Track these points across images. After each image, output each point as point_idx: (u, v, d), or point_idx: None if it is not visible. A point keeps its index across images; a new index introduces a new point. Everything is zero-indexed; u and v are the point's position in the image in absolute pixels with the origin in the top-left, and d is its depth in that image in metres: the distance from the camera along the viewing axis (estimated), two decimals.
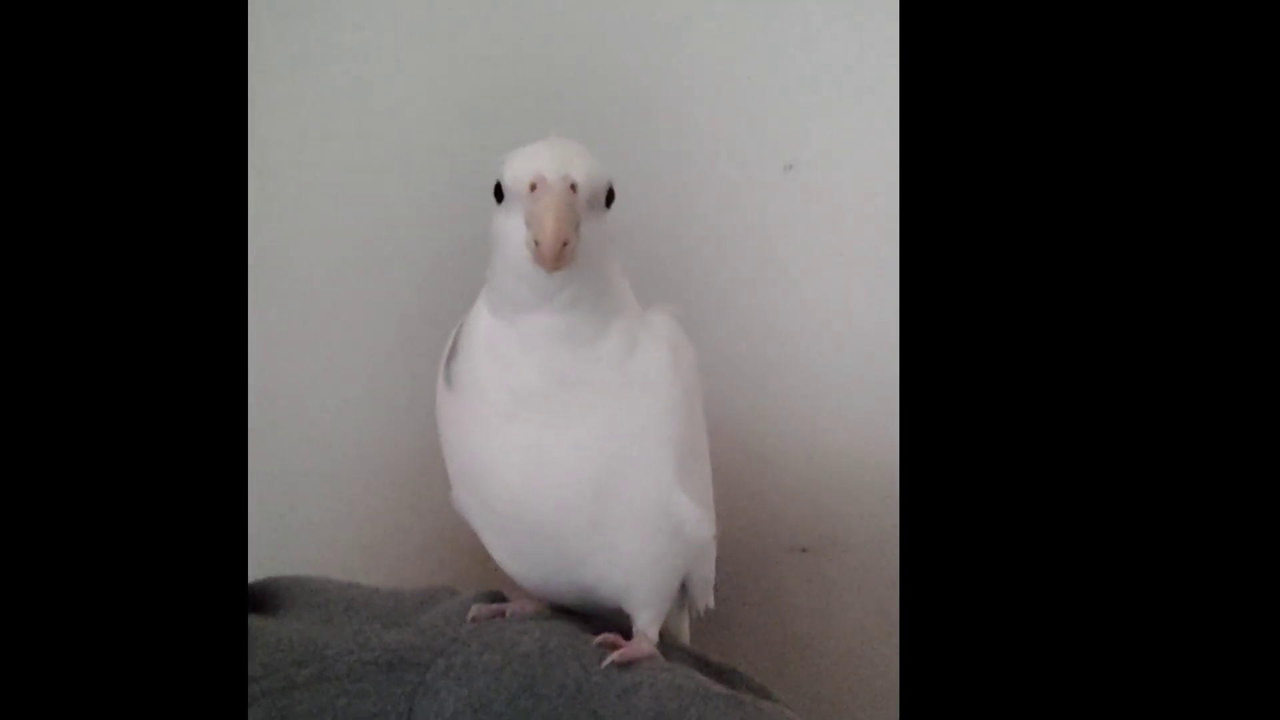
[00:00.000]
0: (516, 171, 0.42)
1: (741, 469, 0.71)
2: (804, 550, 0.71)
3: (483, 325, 0.46)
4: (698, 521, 0.48)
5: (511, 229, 0.42)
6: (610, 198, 0.44)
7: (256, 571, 0.49)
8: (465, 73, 0.68)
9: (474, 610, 0.47)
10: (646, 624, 0.48)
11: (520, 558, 0.48)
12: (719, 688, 0.44)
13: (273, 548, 0.61)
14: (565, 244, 0.40)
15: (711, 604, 0.55)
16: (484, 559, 0.50)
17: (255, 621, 0.46)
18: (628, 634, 0.47)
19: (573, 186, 0.41)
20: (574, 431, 0.44)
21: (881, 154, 0.66)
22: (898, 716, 0.70)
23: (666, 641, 0.49)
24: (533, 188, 0.41)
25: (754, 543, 0.72)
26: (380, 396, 0.69)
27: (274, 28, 0.66)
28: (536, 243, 0.40)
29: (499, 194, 0.43)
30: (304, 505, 0.69)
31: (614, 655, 0.44)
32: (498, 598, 0.50)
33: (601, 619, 0.48)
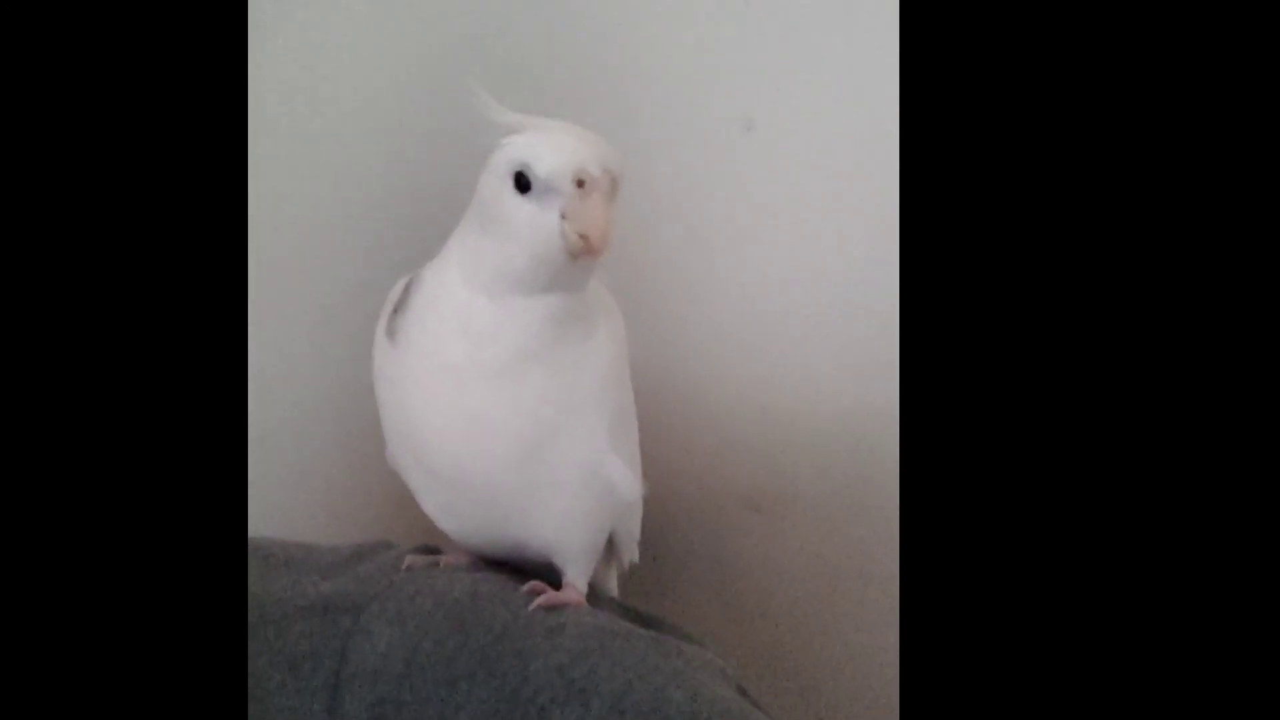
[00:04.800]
0: (556, 165, 0.43)
1: (694, 427, 0.72)
2: (754, 508, 0.72)
3: (454, 298, 0.46)
4: (628, 483, 0.50)
5: (544, 220, 0.43)
6: None
7: None
8: (416, 34, 0.67)
9: (408, 560, 0.49)
10: (575, 576, 0.50)
11: (454, 514, 0.50)
12: (643, 630, 0.46)
13: None
14: None
15: (636, 559, 0.57)
16: (419, 515, 0.51)
17: None
18: (557, 586, 0.48)
19: (613, 180, 0.43)
20: (517, 397, 0.46)
21: (842, 113, 0.66)
22: (845, 671, 0.71)
23: (595, 593, 0.51)
24: (580, 183, 0.42)
25: (706, 500, 0.73)
26: (321, 354, 0.69)
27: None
28: (583, 237, 0.42)
29: (522, 183, 0.43)
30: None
31: (541, 599, 0.46)
32: (432, 551, 0.51)
33: (531, 572, 0.49)
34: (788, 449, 0.71)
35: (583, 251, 0.43)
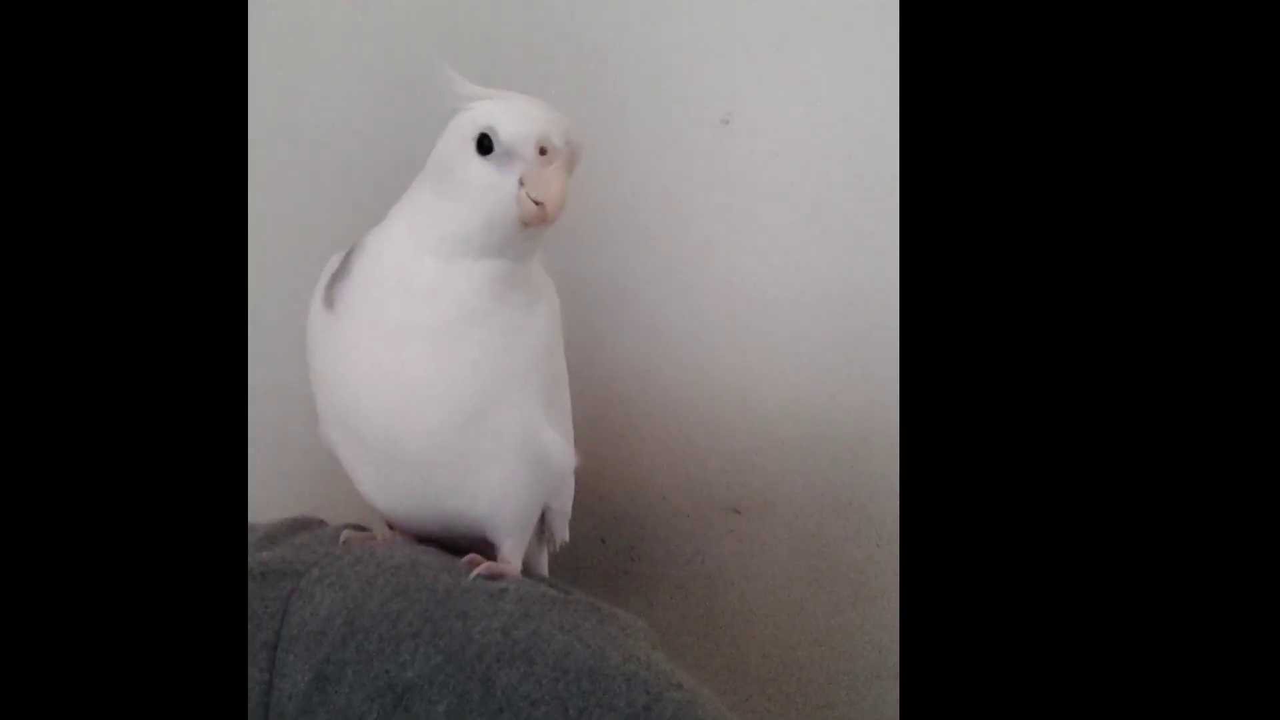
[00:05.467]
0: (520, 131, 0.44)
1: (674, 429, 0.71)
2: (736, 511, 0.71)
3: (398, 257, 0.46)
4: (562, 450, 0.50)
5: (501, 184, 0.44)
6: None
7: None
8: (392, 19, 0.68)
9: (345, 534, 0.49)
10: (510, 551, 0.50)
11: (388, 488, 0.50)
12: (579, 595, 0.47)
13: None
14: None
15: (567, 538, 0.57)
16: (351, 497, 0.51)
17: None
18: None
19: (574, 150, 0.44)
20: (455, 360, 0.46)
21: (820, 106, 0.66)
22: (824, 676, 0.70)
23: (528, 571, 0.51)
24: (542, 151, 0.43)
25: (686, 503, 0.72)
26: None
27: None
28: (538, 203, 0.43)
29: (485, 146, 0.44)
30: None
31: (480, 568, 0.46)
32: (364, 530, 0.51)
33: (466, 550, 0.49)
34: (769, 451, 0.70)
35: (536, 219, 0.44)
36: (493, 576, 0.46)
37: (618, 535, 0.72)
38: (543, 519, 0.54)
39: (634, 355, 0.71)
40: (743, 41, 0.67)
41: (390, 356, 0.46)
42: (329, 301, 0.48)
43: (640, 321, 0.70)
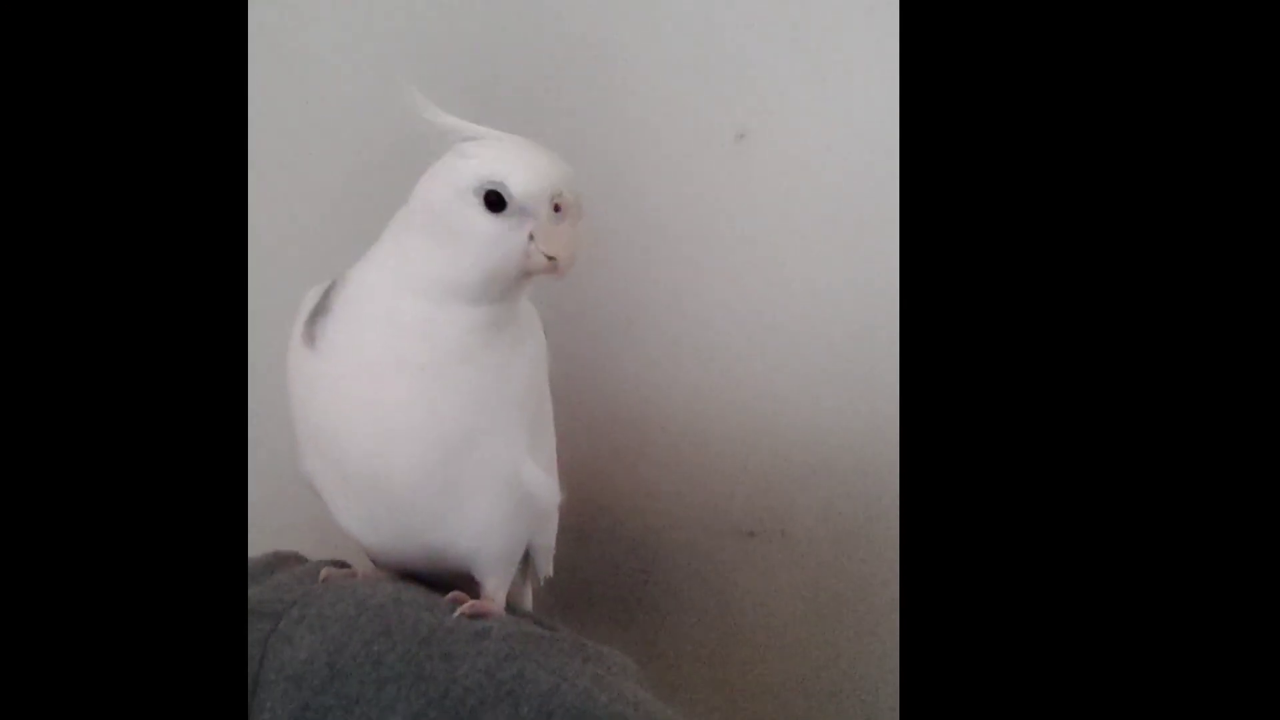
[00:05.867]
0: (535, 189, 0.43)
1: (688, 452, 0.70)
2: (750, 534, 0.69)
3: (386, 300, 0.45)
4: (547, 488, 0.49)
5: (510, 239, 0.43)
6: None
7: None
8: (402, 36, 0.67)
9: (324, 572, 0.48)
10: (494, 589, 0.49)
11: (369, 524, 0.49)
12: (564, 634, 0.46)
13: None
14: None
15: (550, 573, 0.55)
16: (327, 531, 0.51)
17: None
18: (477, 599, 0.48)
19: (580, 203, 0.44)
20: (440, 396, 0.45)
21: (836, 122, 0.65)
22: (844, 699, 0.68)
23: (511, 607, 0.50)
24: (556, 208, 0.43)
25: (700, 526, 0.71)
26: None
27: None
28: (551, 258, 0.43)
29: (494, 202, 0.43)
30: None
31: (464, 607, 0.45)
32: (344, 565, 0.51)
33: (449, 586, 0.48)
34: (784, 474, 0.69)
35: (547, 272, 0.44)
36: (476, 615, 0.45)
37: (631, 558, 0.71)
38: (527, 554, 0.53)
39: (647, 377, 0.69)
40: (758, 56, 0.65)
41: (373, 392, 0.45)
42: (309, 338, 0.47)
43: (653, 342, 0.69)
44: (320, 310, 0.47)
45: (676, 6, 0.65)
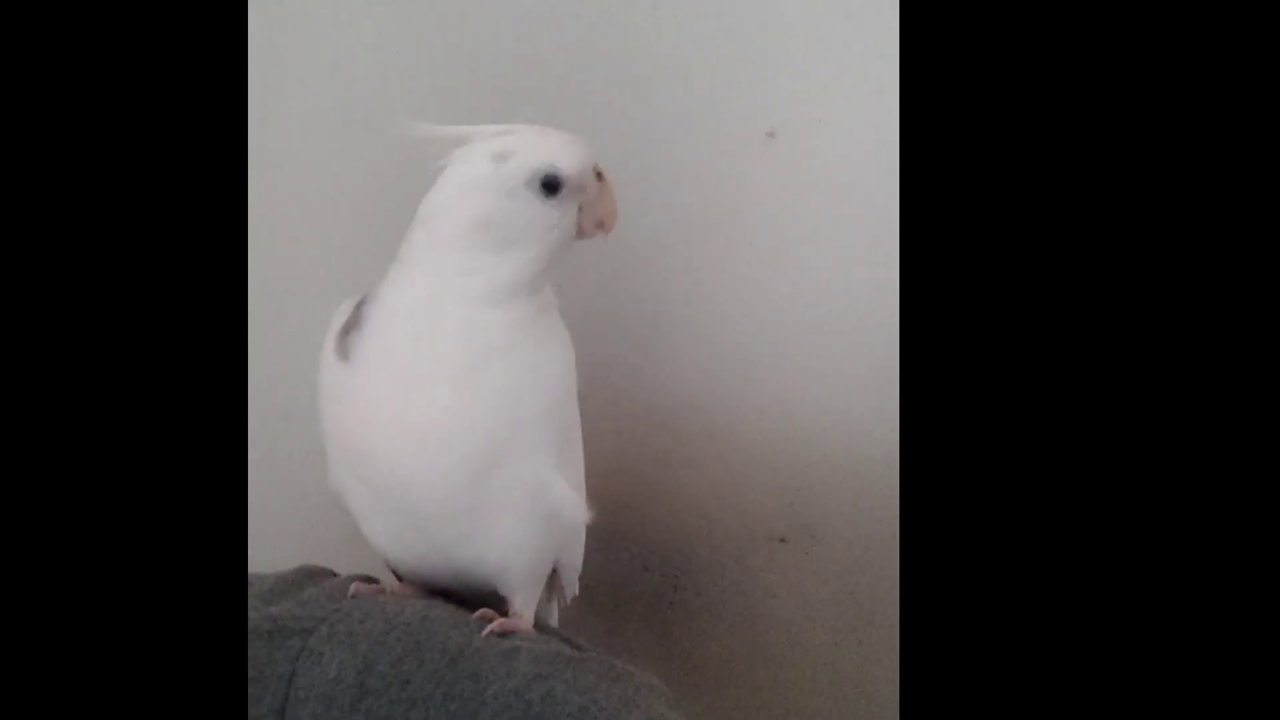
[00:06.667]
0: (582, 162, 0.46)
1: (718, 458, 0.70)
2: (781, 540, 0.69)
3: (427, 309, 0.46)
4: (574, 505, 0.49)
5: (565, 218, 0.46)
6: None
7: None
8: (434, 40, 0.67)
9: (354, 587, 0.48)
10: (521, 605, 0.49)
11: (398, 539, 0.49)
12: (592, 654, 0.46)
13: None
14: None
15: (576, 591, 0.55)
16: (358, 546, 0.51)
17: None
18: (504, 615, 0.48)
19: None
20: (472, 404, 0.45)
21: (868, 119, 0.64)
22: (871, 706, 0.67)
23: (538, 624, 0.50)
24: (599, 176, 0.47)
25: (731, 532, 0.70)
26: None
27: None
28: (600, 223, 0.47)
29: (551, 187, 0.45)
30: None
31: (493, 625, 0.45)
32: (373, 581, 0.50)
33: (477, 603, 0.48)
34: (815, 479, 0.68)
35: (598, 234, 0.47)
36: (504, 633, 0.45)
37: (661, 563, 0.71)
38: (554, 572, 0.52)
39: (677, 380, 0.69)
40: (787, 54, 0.64)
41: (405, 403, 0.45)
42: (342, 352, 0.47)
43: (683, 344, 0.68)
44: (352, 325, 0.47)
45: (708, 5, 0.64)
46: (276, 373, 0.60)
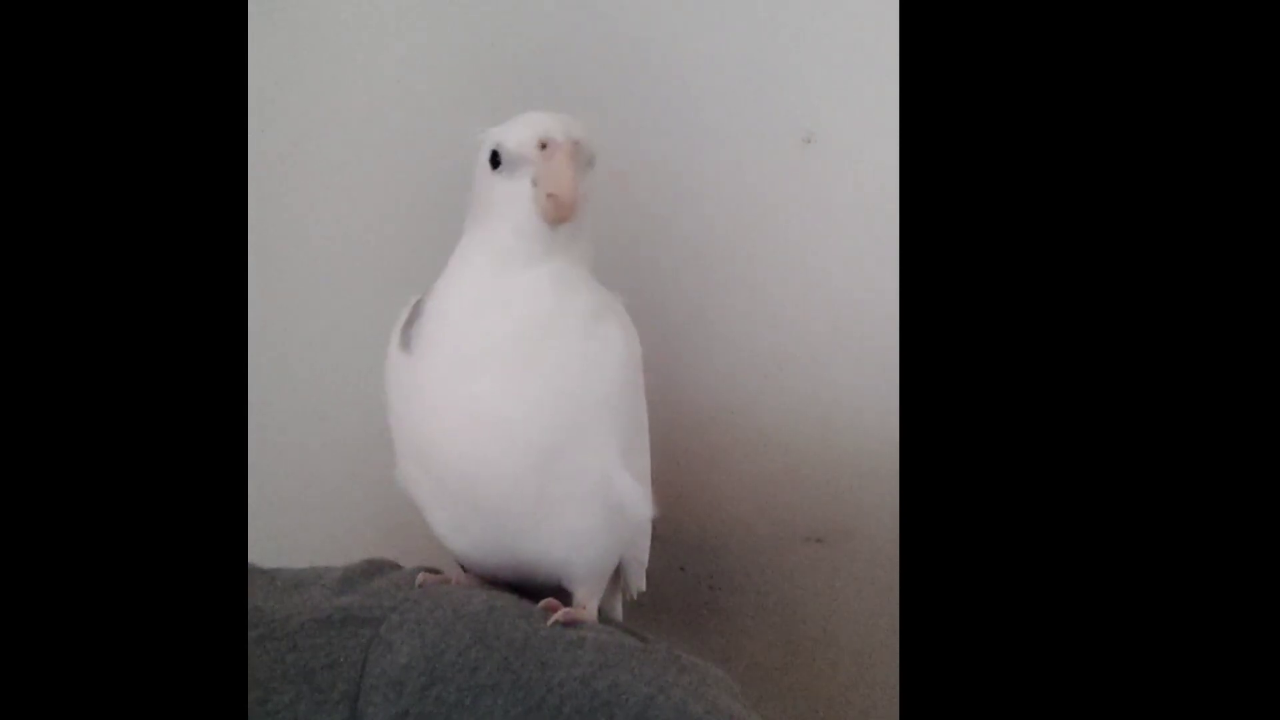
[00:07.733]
0: (522, 135, 0.46)
1: (755, 458, 0.70)
2: (817, 540, 0.69)
3: (460, 284, 0.48)
4: (638, 499, 0.49)
5: (517, 190, 0.46)
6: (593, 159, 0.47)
7: None
8: (465, 44, 0.68)
9: (421, 577, 0.49)
10: (585, 597, 0.49)
11: (464, 532, 0.50)
12: (657, 645, 0.46)
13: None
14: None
15: (644, 587, 0.56)
16: (419, 540, 0.51)
17: None
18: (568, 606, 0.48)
19: (576, 144, 0.45)
20: (531, 391, 0.46)
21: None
22: None
23: (603, 618, 0.50)
24: (543, 147, 0.45)
25: (767, 532, 0.71)
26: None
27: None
28: (551, 196, 0.44)
29: (496, 161, 0.46)
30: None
31: (558, 615, 0.46)
32: (437, 572, 0.51)
33: (541, 596, 0.49)
34: (852, 480, 0.69)
35: (554, 213, 0.45)
36: (569, 623, 0.46)
37: (698, 563, 0.71)
38: (619, 565, 0.53)
39: (714, 382, 0.69)
40: (824, 59, 0.65)
41: (465, 388, 0.46)
42: (405, 344, 0.48)
43: (721, 347, 0.69)
44: (413, 316, 0.48)
45: (744, 10, 0.65)
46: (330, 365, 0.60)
